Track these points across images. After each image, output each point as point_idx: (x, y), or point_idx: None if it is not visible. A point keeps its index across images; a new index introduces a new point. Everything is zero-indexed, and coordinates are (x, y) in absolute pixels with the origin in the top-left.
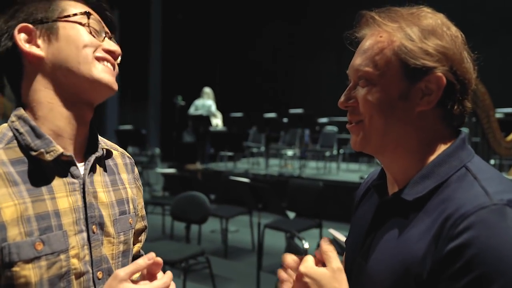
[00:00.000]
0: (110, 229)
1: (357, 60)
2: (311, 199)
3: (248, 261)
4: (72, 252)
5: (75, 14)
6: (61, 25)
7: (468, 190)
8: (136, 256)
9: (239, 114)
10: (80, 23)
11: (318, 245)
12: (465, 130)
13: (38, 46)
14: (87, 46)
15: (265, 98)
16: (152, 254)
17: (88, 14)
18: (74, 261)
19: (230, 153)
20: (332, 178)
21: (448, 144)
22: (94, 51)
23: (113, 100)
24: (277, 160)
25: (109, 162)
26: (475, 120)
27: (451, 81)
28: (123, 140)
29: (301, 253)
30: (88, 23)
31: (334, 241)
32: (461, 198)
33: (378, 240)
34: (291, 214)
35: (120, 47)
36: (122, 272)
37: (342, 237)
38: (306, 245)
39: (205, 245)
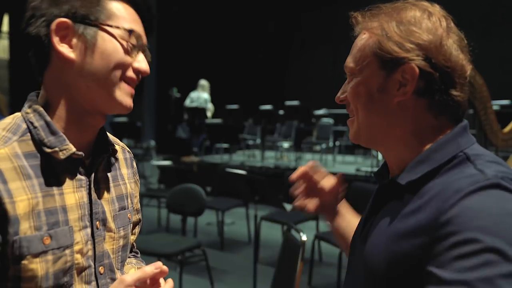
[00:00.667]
0: (111, 224)
1: (348, 57)
2: None
3: (244, 253)
4: (76, 248)
5: (118, 27)
6: (100, 34)
7: (464, 172)
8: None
9: (235, 106)
10: (119, 40)
11: (315, 237)
12: None
13: (71, 47)
14: (119, 66)
15: (261, 90)
16: (159, 263)
17: (130, 32)
18: (78, 256)
19: (226, 145)
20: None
21: (445, 133)
22: (124, 71)
23: None
24: (273, 152)
25: (111, 158)
26: (473, 112)
27: (427, 70)
28: (118, 133)
29: (298, 245)
30: (128, 41)
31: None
32: (456, 179)
33: (375, 225)
34: (288, 206)
35: None
36: (129, 277)
37: None
38: (303, 237)
39: (201, 238)
